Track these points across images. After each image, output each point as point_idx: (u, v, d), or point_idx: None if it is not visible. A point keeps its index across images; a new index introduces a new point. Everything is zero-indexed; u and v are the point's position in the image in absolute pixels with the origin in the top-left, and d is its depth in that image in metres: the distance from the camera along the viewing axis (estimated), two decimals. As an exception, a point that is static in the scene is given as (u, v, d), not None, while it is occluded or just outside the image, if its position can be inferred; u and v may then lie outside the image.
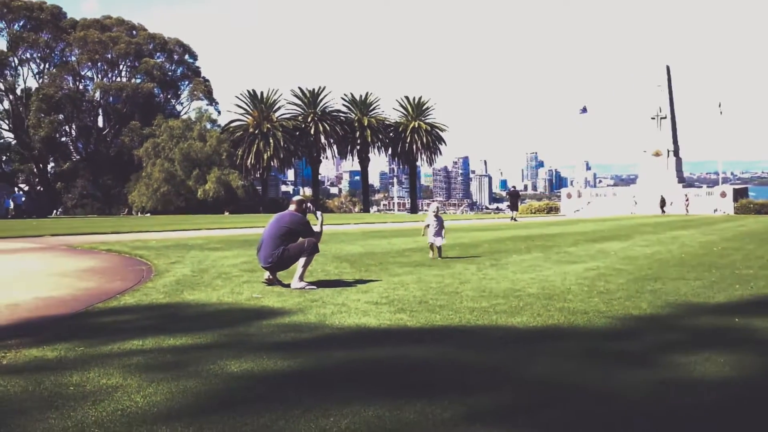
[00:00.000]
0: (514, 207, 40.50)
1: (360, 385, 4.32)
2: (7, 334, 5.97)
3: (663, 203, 60.64)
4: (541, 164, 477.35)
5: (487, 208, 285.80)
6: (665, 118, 71.33)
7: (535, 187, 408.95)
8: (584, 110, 74.84)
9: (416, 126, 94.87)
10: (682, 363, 4.85)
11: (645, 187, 67.90)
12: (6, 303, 7.75)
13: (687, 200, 61.27)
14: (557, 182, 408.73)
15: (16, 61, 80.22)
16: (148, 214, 67.92)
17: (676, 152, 71.94)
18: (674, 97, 72.96)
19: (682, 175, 73.28)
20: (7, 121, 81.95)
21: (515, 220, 37.77)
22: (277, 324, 6.39)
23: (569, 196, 73.46)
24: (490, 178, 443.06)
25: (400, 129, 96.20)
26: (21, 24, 79.31)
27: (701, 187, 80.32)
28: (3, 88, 79.85)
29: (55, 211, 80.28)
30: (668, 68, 72.68)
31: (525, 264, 11.95)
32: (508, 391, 4.22)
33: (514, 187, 47.26)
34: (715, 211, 60.13)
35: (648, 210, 60.16)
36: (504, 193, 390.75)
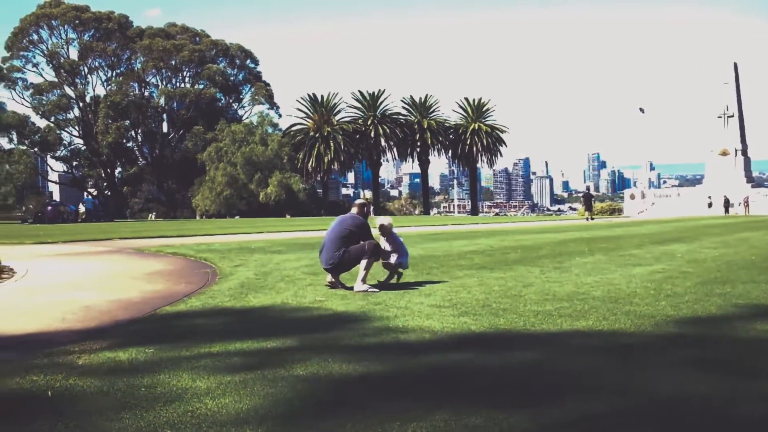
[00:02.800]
0: (588, 208, 45.81)
1: (425, 388, 4.32)
2: (83, 336, 6.17)
3: (727, 204, 59.19)
4: (603, 165, 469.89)
5: (548, 210, 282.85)
6: (732, 116, 69.42)
7: (597, 188, 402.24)
8: (642, 110, 73.47)
9: (476, 128, 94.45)
10: (761, 369, 4.72)
11: (711, 188, 66.14)
12: (81, 305, 8.01)
13: (746, 200, 59.49)
14: (620, 183, 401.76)
15: (86, 70, 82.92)
16: (231, 216, 69.12)
17: (744, 151, 69.92)
18: (742, 94, 70.85)
19: (750, 175, 71.22)
20: (77, 128, 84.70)
21: (592, 219, 42.57)
22: (341, 327, 6.45)
23: (632, 197, 72.11)
24: (551, 180, 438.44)
25: (460, 131, 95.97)
26: (91, 34, 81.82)
27: (772, 187, 77.71)
28: (74, 96, 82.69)
29: (150, 215, 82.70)
30: (736, 65, 70.72)
31: (589, 266, 11.78)
32: (575, 397, 4.16)
33: (588, 189, 53.51)
34: (787, 211, 58.27)
35: (718, 211, 58.78)
36: (566, 195, 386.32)
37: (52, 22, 80.00)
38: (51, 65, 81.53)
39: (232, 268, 11.93)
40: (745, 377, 4.57)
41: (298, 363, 4.99)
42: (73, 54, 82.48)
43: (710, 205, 61.43)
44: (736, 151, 68.91)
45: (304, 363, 4.98)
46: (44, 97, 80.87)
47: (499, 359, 5.11)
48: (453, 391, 4.26)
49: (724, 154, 68.87)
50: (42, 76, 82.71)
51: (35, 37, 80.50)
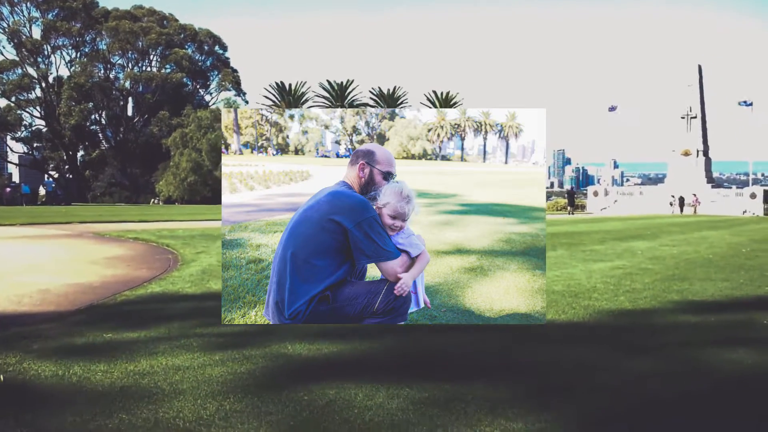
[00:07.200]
0: (571, 203, 55.50)
1: (395, 367, 4.31)
2: (38, 320, 6.07)
3: (682, 203, 60.34)
4: (568, 161, 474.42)
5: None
6: (695, 117, 70.40)
7: (561, 185, 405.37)
8: (613, 108, 74.11)
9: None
10: (702, 357, 4.81)
11: (673, 187, 67.12)
12: (38, 288, 7.88)
13: (696, 200, 60.71)
14: (584, 180, 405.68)
15: (49, 50, 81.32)
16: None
17: (705, 152, 70.98)
18: (705, 96, 71.91)
19: (711, 176, 72.33)
20: (39, 109, 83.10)
21: (572, 214, 51.16)
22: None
23: (596, 194, 72.73)
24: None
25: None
26: (55, 13, 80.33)
27: (730, 187, 78.88)
28: (36, 76, 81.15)
29: (153, 200, 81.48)
30: (700, 67, 71.67)
31: (550, 261, 11.89)
32: (534, 376, 4.20)
33: (571, 187, 63.52)
34: (744, 212, 59.33)
35: (684, 210, 59.91)
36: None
37: (15, -1, 78.38)
38: (12, 43, 79.88)
39: (194, 255, 11.83)
40: (688, 363, 4.66)
41: (257, 348, 4.96)
42: (36, 33, 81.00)
43: (672, 204, 62.25)
44: (698, 151, 69.84)
45: (263, 348, 4.96)
46: (4, 76, 79.25)
47: (468, 344, 5.14)
48: (419, 369, 4.26)
49: (687, 154, 69.75)
50: (2, 54, 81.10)
51: (-4, 14, 78.81)
